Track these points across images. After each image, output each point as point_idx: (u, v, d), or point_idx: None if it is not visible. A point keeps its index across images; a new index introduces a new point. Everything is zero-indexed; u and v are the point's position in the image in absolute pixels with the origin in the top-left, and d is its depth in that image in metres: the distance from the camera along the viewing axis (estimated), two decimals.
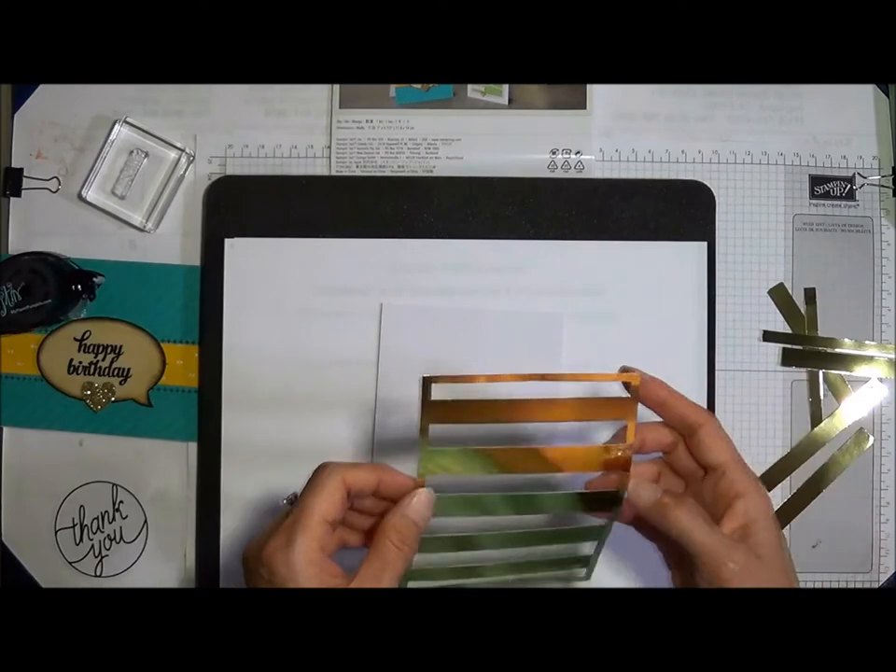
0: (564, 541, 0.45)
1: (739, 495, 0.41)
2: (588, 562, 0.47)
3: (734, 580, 0.39)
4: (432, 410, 0.39)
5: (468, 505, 0.42)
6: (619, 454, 0.41)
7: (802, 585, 0.55)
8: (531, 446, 0.41)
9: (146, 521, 0.58)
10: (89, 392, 0.58)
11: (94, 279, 0.57)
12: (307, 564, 0.38)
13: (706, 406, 0.55)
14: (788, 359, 0.57)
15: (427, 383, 0.39)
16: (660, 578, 0.44)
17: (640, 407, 0.41)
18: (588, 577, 0.48)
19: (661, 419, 0.44)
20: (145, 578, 0.57)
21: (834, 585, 0.56)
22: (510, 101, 0.58)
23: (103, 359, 0.58)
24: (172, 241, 0.58)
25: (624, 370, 0.43)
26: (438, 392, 0.38)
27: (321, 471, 0.41)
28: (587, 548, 0.46)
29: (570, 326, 0.56)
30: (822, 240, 0.58)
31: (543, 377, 0.39)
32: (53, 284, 0.55)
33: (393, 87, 0.58)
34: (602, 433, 0.46)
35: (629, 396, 0.40)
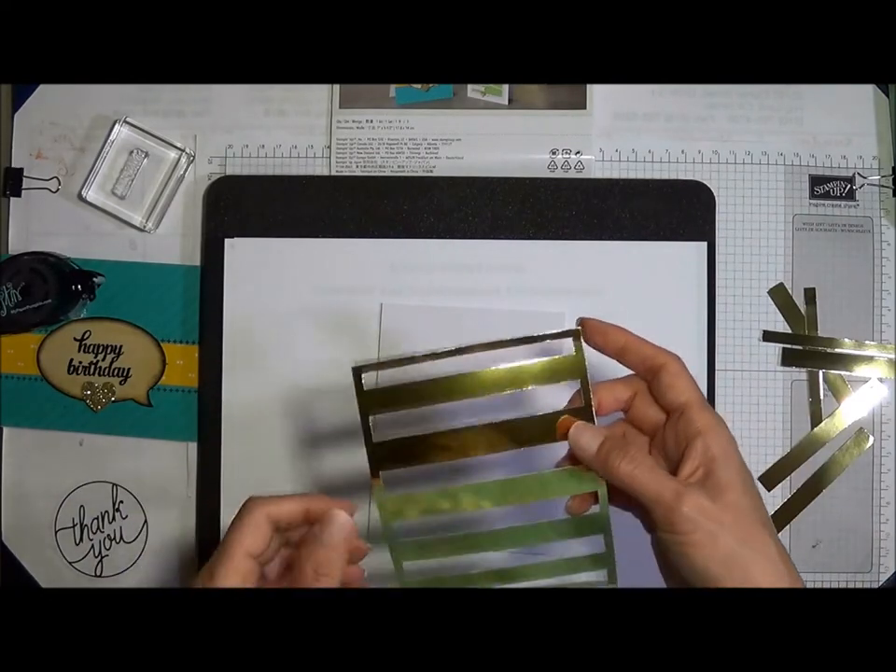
0: (564, 535, 0.43)
1: (698, 433, 0.39)
2: (606, 561, 0.44)
3: (691, 529, 0.37)
4: (366, 400, 0.39)
5: (453, 547, 0.42)
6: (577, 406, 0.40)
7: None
8: (484, 423, 0.40)
9: (146, 521, 0.58)
10: (89, 392, 0.58)
11: (94, 279, 0.57)
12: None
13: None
14: (788, 359, 0.57)
15: (356, 373, 0.39)
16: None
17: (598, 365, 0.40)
18: (613, 581, 0.45)
19: (617, 381, 0.43)
20: (145, 578, 0.58)
21: (834, 585, 0.56)
22: (510, 101, 0.58)
23: (103, 359, 0.58)
24: (172, 241, 0.58)
25: (580, 322, 0.42)
26: (374, 379, 0.38)
27: (245, 507, 0.40)
28: (599, 547, 0.44)
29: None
30: (822, 240, 0.58)
31: (472, 349, 0.39)
32: (53, 284, 0.55)
33: (393, 87, 0.58)
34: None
35: (574, 352, 0.39)
